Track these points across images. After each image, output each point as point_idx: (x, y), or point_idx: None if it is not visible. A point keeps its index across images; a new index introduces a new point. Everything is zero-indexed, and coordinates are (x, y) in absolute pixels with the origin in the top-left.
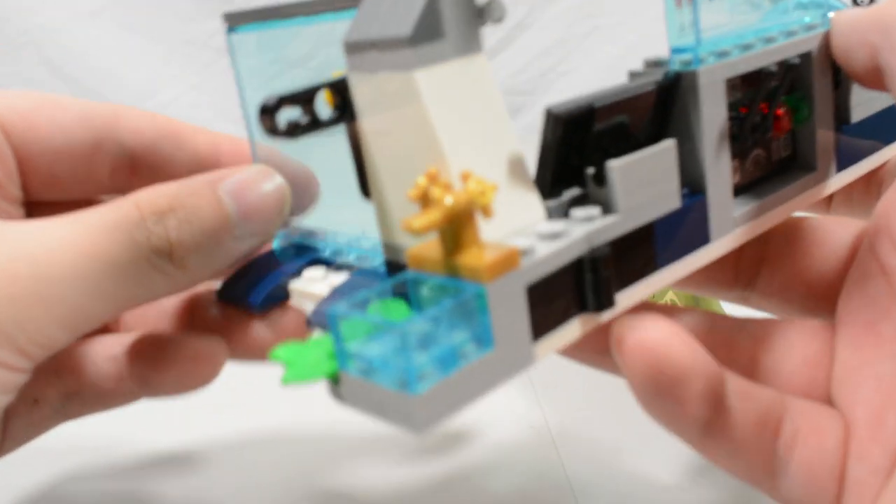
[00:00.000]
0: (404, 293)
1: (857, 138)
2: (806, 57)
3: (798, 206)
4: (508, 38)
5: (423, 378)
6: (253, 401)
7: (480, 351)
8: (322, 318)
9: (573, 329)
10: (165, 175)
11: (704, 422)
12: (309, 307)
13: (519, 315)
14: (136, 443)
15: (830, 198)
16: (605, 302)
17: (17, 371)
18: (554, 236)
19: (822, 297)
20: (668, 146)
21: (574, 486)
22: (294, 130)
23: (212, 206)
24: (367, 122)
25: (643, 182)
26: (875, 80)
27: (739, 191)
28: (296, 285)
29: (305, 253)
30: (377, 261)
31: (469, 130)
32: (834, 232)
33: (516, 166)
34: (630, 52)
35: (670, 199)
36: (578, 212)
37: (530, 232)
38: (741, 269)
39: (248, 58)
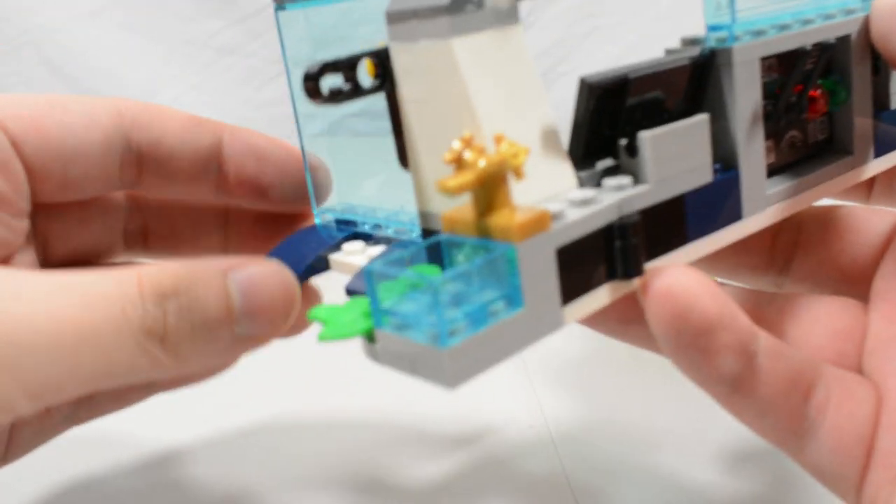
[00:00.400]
0: (439, 259)
1: (894, 125)
2: (844, 40)
3: (833, 189)
4: None
5: (454, 333)
6: (257, 394)
7: (510, 310)
8: (359, 287)
9: (602, 296)
10: (171, 168)
11: (733, 377)
12: (348, 278)
13: (549, 277)
14: (142, 437)
15: (871, 185)
16: (633, 269)
17: None
18: (585, 202)
19: (855, 283)
20: (700, 120)
21: (573, 485)
22: (336, 96)
23: (218, 297)
24: (407, 90)
25: (675, 154)
26: None
27: (774, 171)
28: (336, 257)
29: (346, 227)
30: (415, 233)
31: (504, 98)
32: (869, 220)
33: (550, 135)
34: (630, 52)
35: (702, 173)
36: (610, 181)
37: (562, 198)
38: (775, 255)
39: (295, 34)
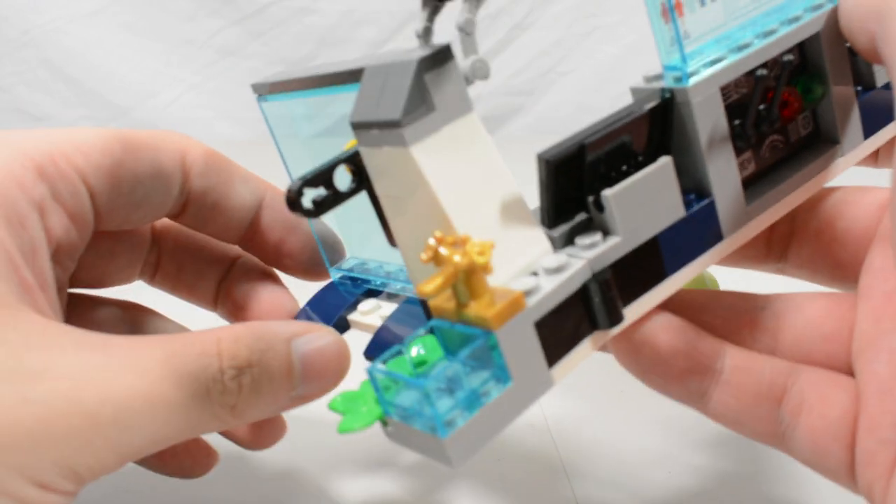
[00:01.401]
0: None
1: (883, 101)
2: (814, 38)
3: (824, 180)
4: (508, 38)
5: (451, 422)
6: None
7: (500, 387)
8: (377, 352)
9: (586, 347)
10: (211, 216)
11: (700, 394)
12: (366, 338)
13: (532, 349)
14: None
15: (876, 153)
16: (613, 319)
17: (73, 495)
18: (556, 270)
19: (849, 268)
20: (664, 164)
21: (572, 482)
22: (321, 206)
23: (283, 365)
24: (380, 188)
25: (642, 202)
26: (880, 59)
27: (758, 178)
28: (353, 317)
29: (359, 283)
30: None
31: (467, 187)
32: (858, 203)
33: (516, 209)
34: (629, 52)
35: (673, 210)
36: (582, 239)
37: (537, 267)
38: (773, 244)
39: (279, 118)
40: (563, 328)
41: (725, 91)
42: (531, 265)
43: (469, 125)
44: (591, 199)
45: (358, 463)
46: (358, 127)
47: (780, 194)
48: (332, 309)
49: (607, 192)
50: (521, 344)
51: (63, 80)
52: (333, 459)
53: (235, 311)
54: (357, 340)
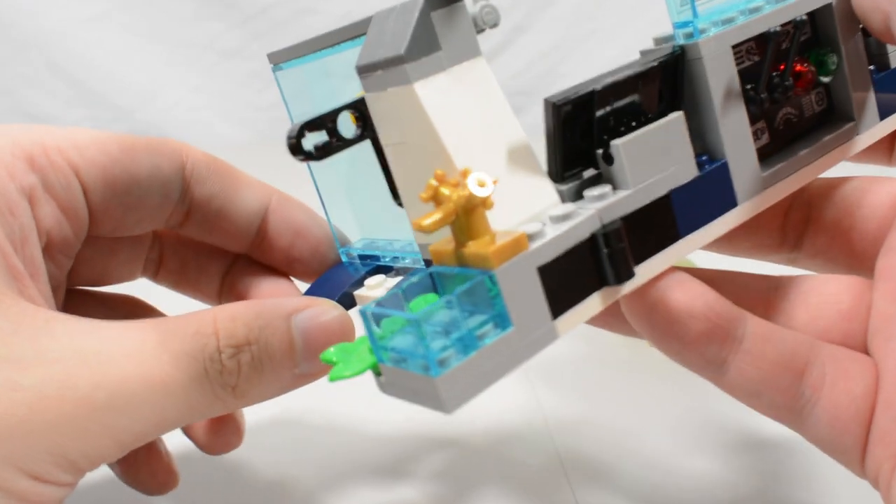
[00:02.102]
0: (436, 289)
1: None
2: (827, 9)
3: (838, 158)
4: (507, 40)
5: (444, 362)
6: None
7: (499, 332)
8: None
9: (595, 303)
10: (216, 223)
11: (718, 361)
12: None
13: (535, 295)
14: None
15: (892, 148)
16: (623, 274)
17: (72, 486)
18: (564, 218)
19: (866, 255)
20: (675, 118)
21: (570, 478)
22: (322, 151)
23: (283, 342)
24: (384, 135)
25: (652, 156)
26: (894, 40)
27: (772, 151)
28: (360, 292)
29: (367, 261)
30: (421, 263)
31: (474, 130)
32: (876, 192)
33: (524, 157)
34: (628, 54)
35: (685, 169)
36: (591, 191)
37: (543, 216)
38: (787, 234)
39: (294, 88)
40: (569, 279)
41: (738, 55)
42: (538, 215)
43: (477, 69)
44: (599, 151)
45: (357, 462)
46: (363, 71)
47: (796, 165)
48: (338, 286)
49: (617, 142)
50: (522, 288)
51: (67, 83)
52: (332, 459)
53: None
54: None
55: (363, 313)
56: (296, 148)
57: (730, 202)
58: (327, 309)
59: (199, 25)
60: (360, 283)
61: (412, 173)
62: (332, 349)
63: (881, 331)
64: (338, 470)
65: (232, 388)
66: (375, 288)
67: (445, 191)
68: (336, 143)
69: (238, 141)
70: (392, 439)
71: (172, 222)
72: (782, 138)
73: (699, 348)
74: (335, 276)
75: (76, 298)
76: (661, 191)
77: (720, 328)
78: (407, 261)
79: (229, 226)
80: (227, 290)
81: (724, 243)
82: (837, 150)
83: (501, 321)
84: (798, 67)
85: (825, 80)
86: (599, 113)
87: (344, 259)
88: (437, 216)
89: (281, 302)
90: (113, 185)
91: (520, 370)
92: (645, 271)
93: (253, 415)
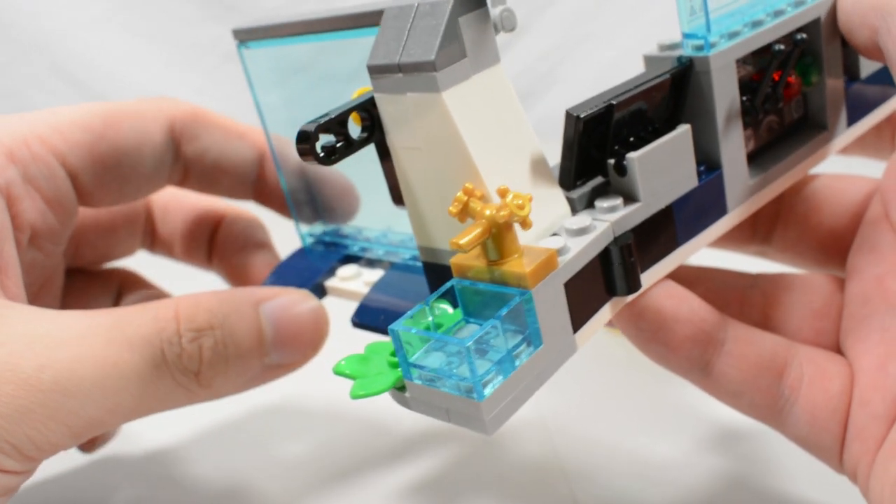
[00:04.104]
0: (452, 297)
1: (865, 92)
2: (815, 24)
3: (811, 165)
4: (506, 43)
5: (487, 384)
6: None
7: (531, 350)
8: (368, 318)
9: (605, 313)
10: (215, 176)
11: (702, 364)
12: (350, 305)
13: (561, 311)
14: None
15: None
16: (634, 286)
17: (21, 474)
18: (582, 231)
19: (833, 251)
20: (683, 131)
21: (571, 480)
22: (331, 154)
23: (250, 329)
24: (398, 139)
25: (662, 168)
26: (878, 55)
27: (753, 157)
28: (332, 283)
29: (334, 249)
30: (406, 255)
31: (495, 139)
32: (844, 190)
33: (540, 166)
34: (626, 57)
35: (688, 179)
36: (602, 202)
37: (560, 228)
38: (758, 227)
39: (258, 66)
40: (585, 292)
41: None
42: (553, 226)
43: (497, 76)
44: (611, 162)
45: (355, 462)
46: (377, 71)
47: (777, 174)
48: (307, 275)
49: (633, 155)
50: (551, 305)
51: (70, 84)
52: (331, 459)
53: (227, 268)
54: (337, 308)
55: (394, 332)
56: (308, 150)
57: (721, 210)
58: (300, 299)
59: (201, 28)
60: (330, 274)
61: (428, 178)
62: (343, 362)
63: (853, 331)
64: (334, 466)
65: (195, 375)
66: (350, 280)
67: (476, 205)
68: (343, 147)
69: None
70: (391, 439)
71: (174, 181)
72: (765, 145)
73: (684, 352)
74: (299, 263)
75: (79, 280)
76: (667, 201)
77: (704, 332)
78: (380, 252)
79: (228, 176)
80: (216, 256)
81: None
82: (812, 157)
83: (534, 339)
84: (789, 79)
85: (806, 90)
86: (616, 121)
87: (305, 243)
88: (474, 234)
89: (250, 290)
90: (102, 161)
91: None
92: (647, 280)
93: (252, 409)
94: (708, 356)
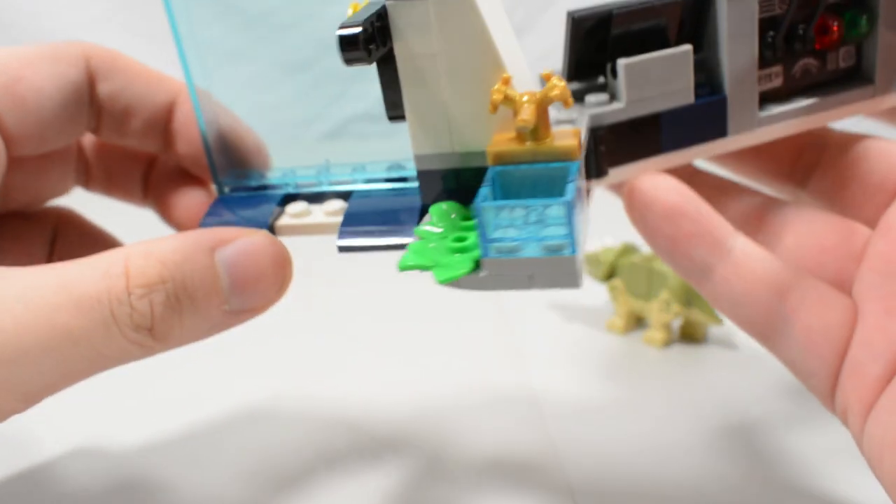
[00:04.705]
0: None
1: None
2: None
3: (846, 114)
4: None
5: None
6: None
7: (581, 215)
8: (354, 242)
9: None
10: (126, 121)
11: (704, 265)
12: (301, 241)
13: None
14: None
15: None
16: (599, 171)
17: None
18: (568, 121)
19: (864, 206)
20: (681, 51)
21: (569, 477)
22: (372, 54)
23: (205, 276)
24: (412, 46)
25: (652, 79)
26: None
27: (782, 93)
28: (283, 222)
29: (262, 193)
30: (360, 180)
31: (502, 37)
32: (890, 154)
33: (523, 62)
34: None
35: (682, 95)
36: (591, 97)
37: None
38: (796, 169)
39: (187, 10)
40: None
41: (769, 2)
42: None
43: None
44: (609, 65)
45: (353, 462)
46: None
47: (797, 113)
48: (251, 217)
49: (622, 61)
50: (579, 176)
51: None
52: (328, 457)
53: (162, 206)
54: (297, 246)
55: (480, 209)
56: (362, 53)
57: (720, 131)
58: (259, 240)
59: (203, 29)
60: (273, 214)
61: (440, 84)
62: (407, 257)
63: (869, 280)
64: (326, 465)
65: (149, 331)
66: (303, 216)
67: (513, 93)
68: (379, 48)
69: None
70: (381, 426)
71: (91, 127)
72: (797, 85)
73: (687, 249)
74: (233, 208)
75: (11, 221)
76: (653, 109)
77: (708, 233)
78: (323, 186)
79: (137, 124)
80: (151, 194)
81: (735, 162)
82: (849, 107)
83: (578, 206)
84: (827, 23)
85: (852, 40)
86: (617, 32)
87: (224, 192)
88: (530, 111)
89: (204, 234)
90: (22, 104)
91: (518, 368)
92: (629, 173)
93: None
94: (711, 260)
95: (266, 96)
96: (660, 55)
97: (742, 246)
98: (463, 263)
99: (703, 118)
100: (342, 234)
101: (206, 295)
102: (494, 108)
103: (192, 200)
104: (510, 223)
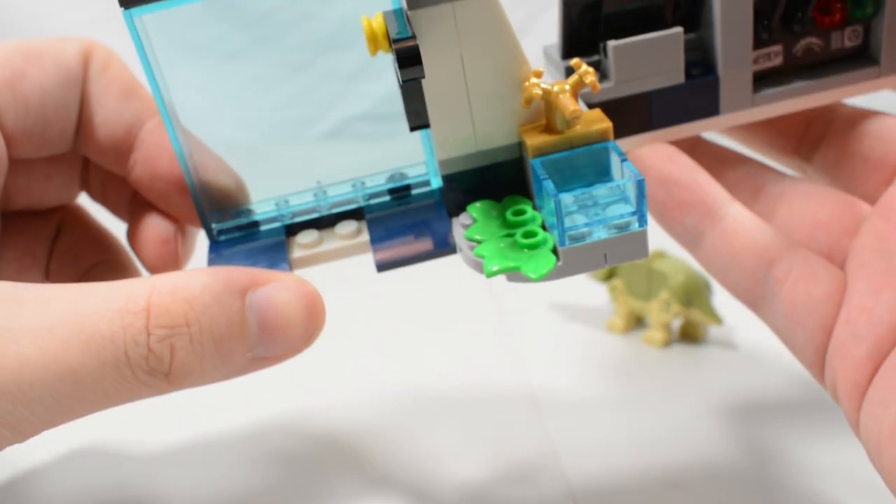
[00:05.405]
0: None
1: None
2: None
3: (847, 94)
4: None
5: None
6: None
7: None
8: (392, 258)
9: None
10: (92, 132)
11: (695, 232)
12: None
13: None
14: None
15: None
16: None
17: None
18: None
19: (868, 183)
20: (672, 34)
21: (567, 470)
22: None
23: (233, 322)
24: (435, 52)
25: (642, 60)
26: None
27: (782, 72)
28: (300, 254)
29: (255, 230)
30: (366, 193)
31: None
32: (894, 130)
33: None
34: None
35: (672, 75)
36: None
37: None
38: (803, 143)
39: (149, 36)
40: None
41: None
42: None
43: None
44: (602, 45)
45: (352, 461)
46: None
47: (794, 93)
48: (274, 256)
49: (612, 43)
50: None
51: None
52: (326, 456)
53: (129, 232)
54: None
55: (558, 200)
56: (419, 68)
57: (712, 110)
58: (291, 285)
59: (204, 29)
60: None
61: (464, 86)
62: (492, 262)
63: (860, 257)
64: (326, 465)
65: (165, 376)
66: (316, 245)
67: (547, 85)
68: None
69: (241, 142)
70: (380, 423)
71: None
72: (798, 64)
73: (679, 216)
74: (238, 250)
75: (14, 218)
76: (643, 88)
77: (701, 202)
78: (324, 205)
79: (100, 135)
80: (134, 213)
81: (743, 135)
82: (850, 87)
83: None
84: (830, 3)
85: (860, 19)
86: (608, 11)
87: (216, 236)
88: (570, 100)
89: (236, 273)
90: (25, 101)
91: (517, 367)
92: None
93: (250, 398)
94: (702, 227)
95: (266, 97)
96: (650, 37)
97: (735, 214)
98: (545, 257)
99: (695, 97)
100: (377, 252)
101: (232, 341)
102: (528, 102)
103: (153, 233)
104: (577, 209)
